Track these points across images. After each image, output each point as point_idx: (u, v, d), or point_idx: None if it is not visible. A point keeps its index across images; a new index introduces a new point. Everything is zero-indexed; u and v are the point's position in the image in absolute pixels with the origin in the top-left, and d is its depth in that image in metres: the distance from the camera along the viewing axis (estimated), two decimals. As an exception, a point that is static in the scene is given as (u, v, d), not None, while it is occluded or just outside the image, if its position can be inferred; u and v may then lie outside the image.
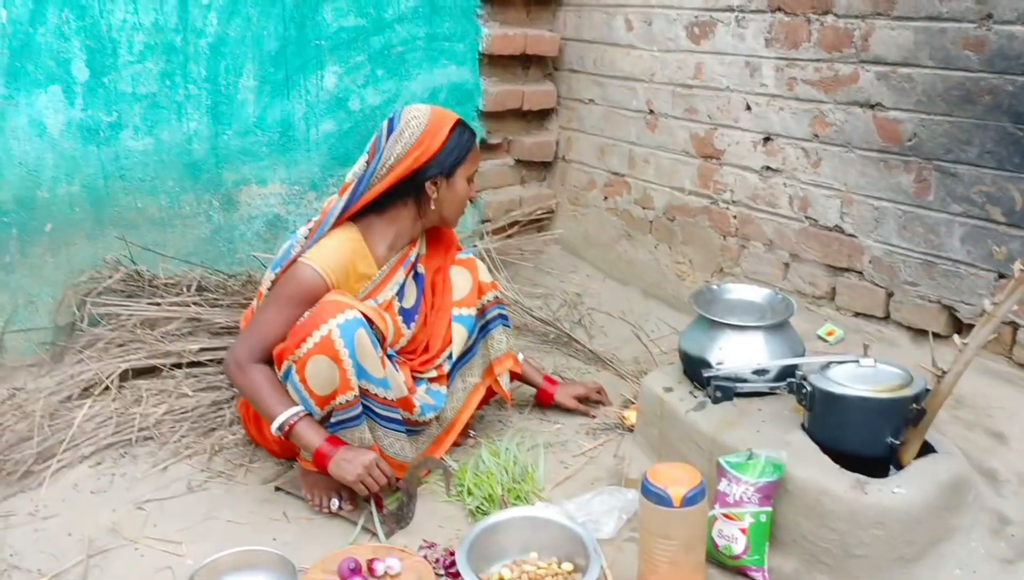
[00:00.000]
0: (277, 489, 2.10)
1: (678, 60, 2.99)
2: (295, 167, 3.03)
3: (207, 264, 2.83)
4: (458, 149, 2.07)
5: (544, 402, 2.46)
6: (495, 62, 3.38)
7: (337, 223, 2.04)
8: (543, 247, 3.58)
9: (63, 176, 2.61)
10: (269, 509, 2.04)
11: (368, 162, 2.06)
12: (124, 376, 2.45)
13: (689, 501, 1.63)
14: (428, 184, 2.06)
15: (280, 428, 1.91)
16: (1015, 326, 2.18)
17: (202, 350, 2.53)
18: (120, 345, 2.51)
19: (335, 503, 2.01)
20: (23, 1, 2.45)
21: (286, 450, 2.14)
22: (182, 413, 2.36)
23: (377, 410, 2.00)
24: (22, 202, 2.56)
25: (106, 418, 2.31)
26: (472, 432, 2.34)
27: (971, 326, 2.01)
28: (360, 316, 1.90)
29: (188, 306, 2.64)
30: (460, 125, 2.09)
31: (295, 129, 3.00)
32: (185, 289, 2.69)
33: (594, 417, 2.42)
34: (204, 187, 2.86)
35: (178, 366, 2.50)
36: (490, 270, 2.53)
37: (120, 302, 2.61)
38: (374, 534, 1.94)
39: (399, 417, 2.04)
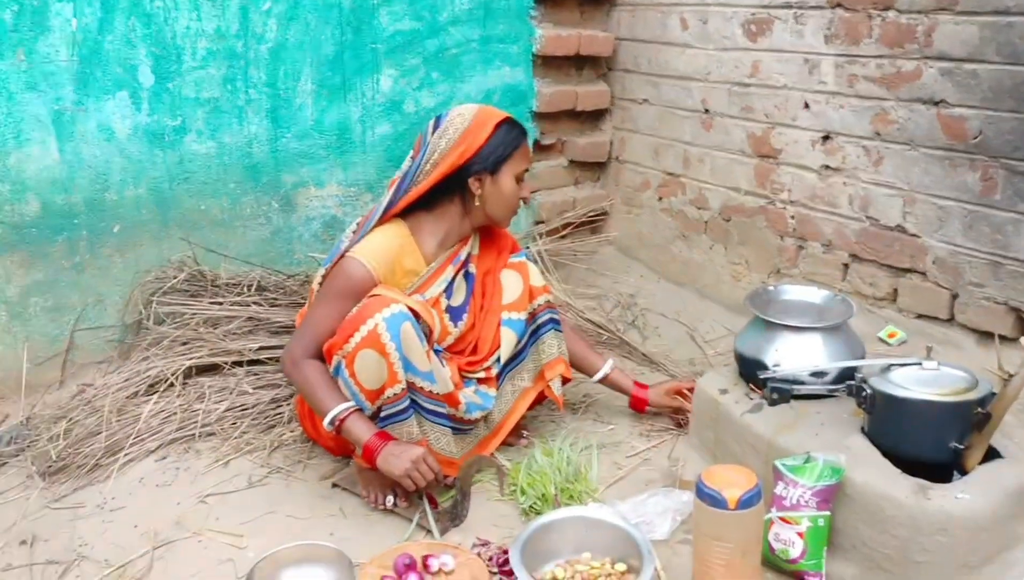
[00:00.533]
0: (334, 485, 2.14)
1: (734, 58, 2.96)
2: (352, 169, 3.08)
3: (266, 264, 2.90)
4: (503, 146, 2.05)
5: (639, 408, 2.37)
6: (549, 63, 3.38)
7: (385, 219, 2.06)
8: (597, 248, 3.57)
9: (130, 179, 2.70)
10: (326, 505, 2.08)
11: (413, 159, 2.08)
12: (188, 373, 2.52)
13: (745, 503, 1.62)
14: (472, 180, 2.05)
15: (331, 423, 1.93)
16: (1087, 329, 2.11)
17: (261, 349, 2.59)
18: (184, 343, 2.58)
19: (390, 500, 2.03)
20: (92, 10, 2.53)
21: (342, 447, 2.17)
22: (242, 410, 2.42)
23: (423, 403, 2.01)
24: (91, 204, 2.65)
25: (171, 414, 2.38)
26: (525, 432, 2.35)
27: (1040, 329, 1.96)
28: (406, 310, 1.91)
29: (248, 305, 2.70)
30: (507, 122, 2.07)
31: (351, 132, 3.04)
32: (245, 289, 2.75)
33: (688, 410, 2.28)
34: (264, 189, 2.93)
35: (239, 364, 2.56)
36: (543, 272, 2.53)
37: (184, 301, 2.68)
38: (429, 531, 1.96)
39: (444, 412, 2.05)
